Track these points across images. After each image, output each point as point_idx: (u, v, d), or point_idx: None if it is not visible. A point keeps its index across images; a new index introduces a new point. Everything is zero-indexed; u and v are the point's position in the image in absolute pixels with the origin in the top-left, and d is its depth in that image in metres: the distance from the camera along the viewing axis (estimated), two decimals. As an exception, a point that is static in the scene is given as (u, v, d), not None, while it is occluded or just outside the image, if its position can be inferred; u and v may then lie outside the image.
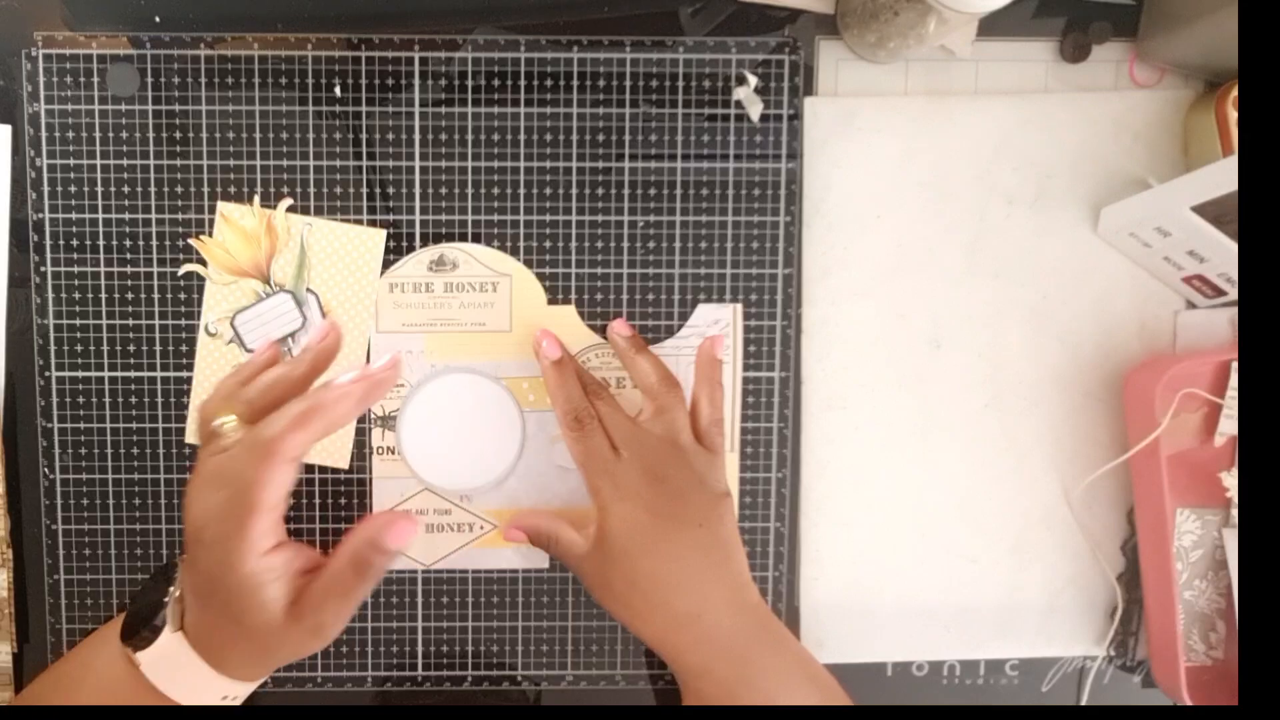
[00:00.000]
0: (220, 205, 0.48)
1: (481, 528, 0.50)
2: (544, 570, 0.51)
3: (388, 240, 0.49)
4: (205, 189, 0.49)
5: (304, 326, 0.49)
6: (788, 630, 0.47)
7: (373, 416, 0.50)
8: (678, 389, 0.48)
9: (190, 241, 0.49)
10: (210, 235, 0.48)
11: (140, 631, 0.40)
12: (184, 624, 0.40)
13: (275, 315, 0.49)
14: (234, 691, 0.40)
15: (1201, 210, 0.44)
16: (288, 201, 0.48)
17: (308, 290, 0.49)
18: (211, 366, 0.49)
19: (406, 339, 0.49)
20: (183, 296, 0.49)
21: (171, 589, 0.40)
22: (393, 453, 0.50)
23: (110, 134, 0.48)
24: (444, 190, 0.49)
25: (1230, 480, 0.50)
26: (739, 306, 0.50)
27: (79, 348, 0.49)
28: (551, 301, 0.50)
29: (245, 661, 0.40)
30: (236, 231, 0.48)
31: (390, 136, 0.49)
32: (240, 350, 0.49)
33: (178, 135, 0.48)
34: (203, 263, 0.49)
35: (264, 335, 0.49)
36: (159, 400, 0.49)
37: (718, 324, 0.50)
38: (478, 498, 0.50)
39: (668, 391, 0.47)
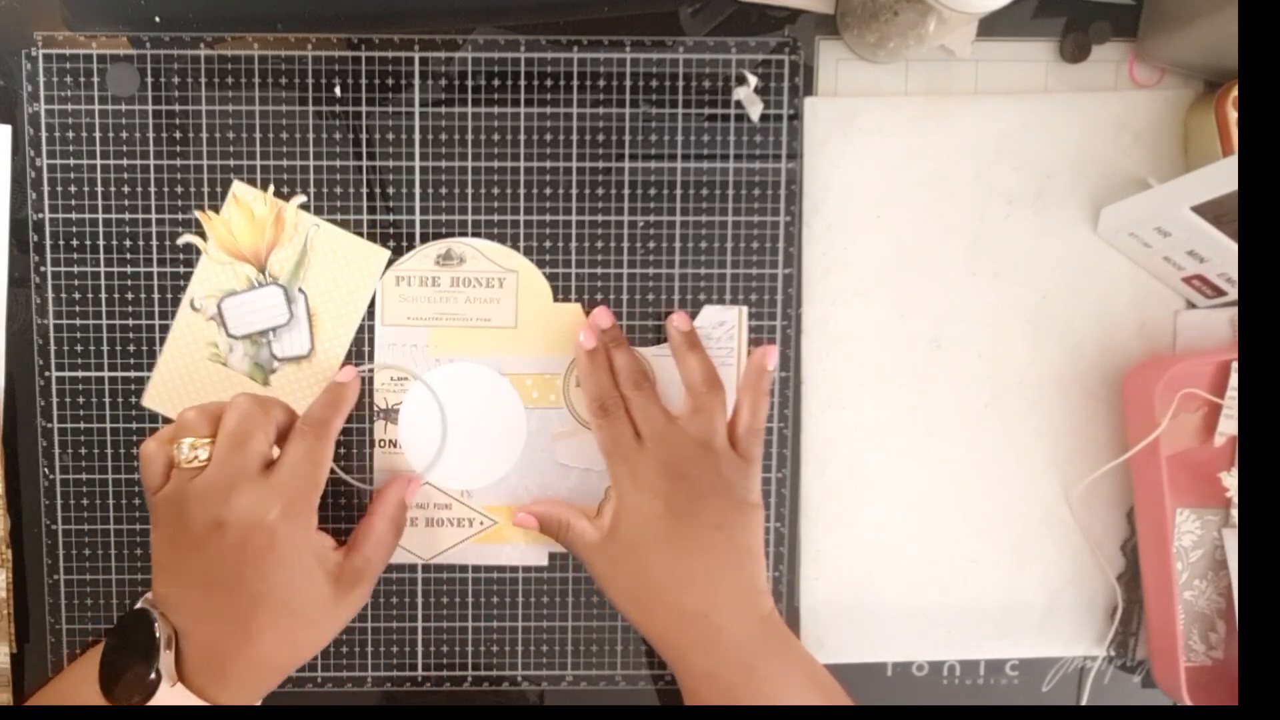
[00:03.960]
0: (235, 184, 0.48)
1: (481, 523, 0.50)
2: (543, 569, 0.51)
3: (386, 241, 0.49)
4: (205, 189, 0.49)
5: (288, 324, 0.49)
6: (799, 643, 0.46)
7: (375, 410, 0.50)
8: (720, 392, 0.47)
9: (196, 214, 0.48)
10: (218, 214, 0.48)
11: (131, 694, 0.40)
12: (181, 672, 0.41)
13: (263, 306, 0.48)
14: None
15: (1201, 210, 0.44)
16: (302, 198, 0.48)
17: (300, 290, 0.49)
18: (188, 339, 0.49)
19: (410, 333, 0.49)
20: (183, 297, 0.49)
21: (157, 641, 0.40)
22: (395, 446, 0.50)
23: (110, 134, 0.48)
24: (444, 190, 0.49)
25: (1230, 480, 0.50)
26: (744, 309, 0.50)
27: (79, 348, 0.49)
28: (556, 299, 0.50)
29: (251, 678, 0.42)
30: (245, 214, 0.48)
31: (390, 136, 0.49)
32: (221, 331, 0.49)
33: (178, 135, 0.48)
34: (202, 236, 0.48)
35: (249, 323, 0.48)
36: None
37: (723, 325, 0.50)
38: (478, 493, 0.50)
39: (708, 392, 0.47)
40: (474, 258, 0.49)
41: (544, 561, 0.51)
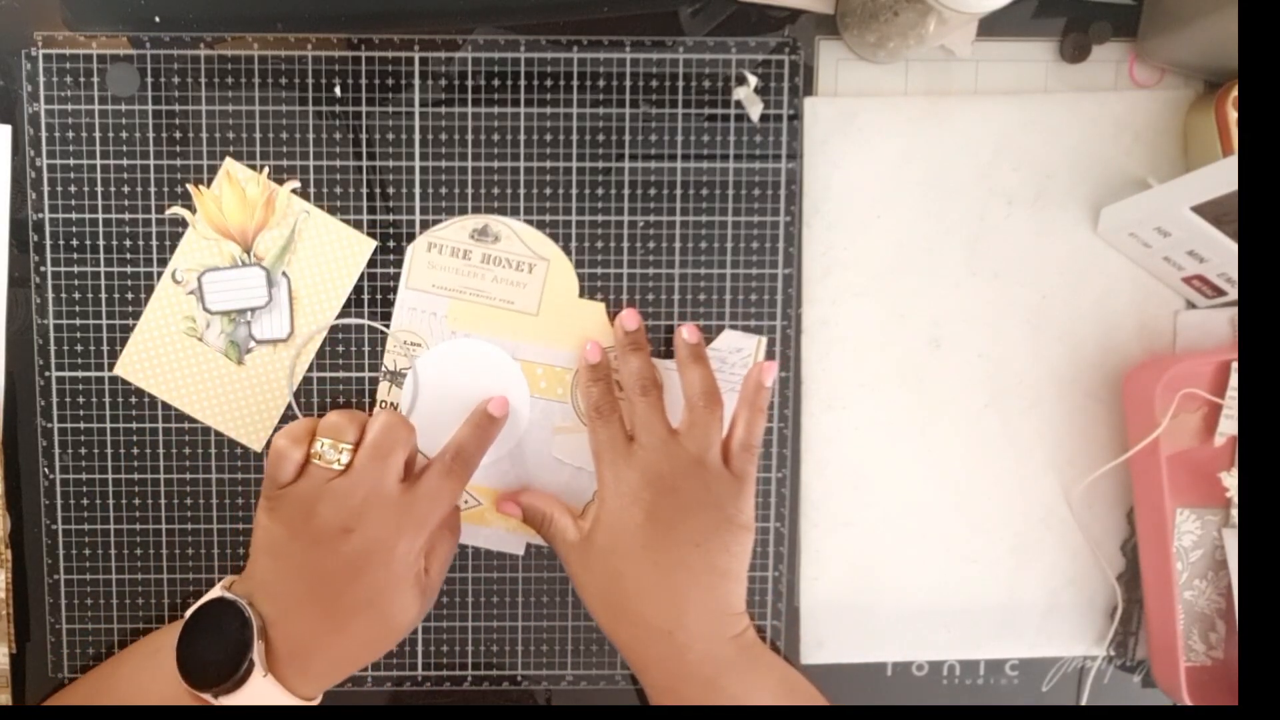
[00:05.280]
0: (228, 161, 0.48)
1: (466, 502, 0.50)
2: (528, 560, 0.51)
3: (386, 241, 0.49)
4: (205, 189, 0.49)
5: (267, 306, 0.49)
6: (773, 657, 0.46)
7: (384, 370, 0.49)
8: (717, 408, 0.47)
9: (189, 187, 0.48)
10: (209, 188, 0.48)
11: (222, 683, 0.40)
12: (268, 662, 0.41)
13: (244, 285, 0.48)
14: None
15: (1201, 210, 0.44)
16: (295, 184, 0.48)
17: (283, 273, 0.49)
18: (165, 311, 0.49)
19: (432, 300, 0.49)
20: (165, 269, 0.49)
21: (251, 631, 0.41)
22: (394, 409, 0.50)
23: (110, 134, 0.48)
24: (444, 190, 0.49)
25: (1230, 480, 0.50)
26: (763, 339, 0.50)
27: (79, 348, 0.49)
28: (582, 294, 0.50)
29: (329, 673, 0.43)
30: (236, 192, 0.48)
31: (390, 136, 0.49)
32: (199, 306, 0.49)
33: (177, 135, 0.48)
34: (191, 210, 0.48)
35: (226, 300, 0.48)
36: (159, 399, 0.49)
37: (739, 353, 0.50)
38: None
39: (706, 407, 0.46)
40: (509, 238, 0.49)
41: (520, 551, 0.51)
